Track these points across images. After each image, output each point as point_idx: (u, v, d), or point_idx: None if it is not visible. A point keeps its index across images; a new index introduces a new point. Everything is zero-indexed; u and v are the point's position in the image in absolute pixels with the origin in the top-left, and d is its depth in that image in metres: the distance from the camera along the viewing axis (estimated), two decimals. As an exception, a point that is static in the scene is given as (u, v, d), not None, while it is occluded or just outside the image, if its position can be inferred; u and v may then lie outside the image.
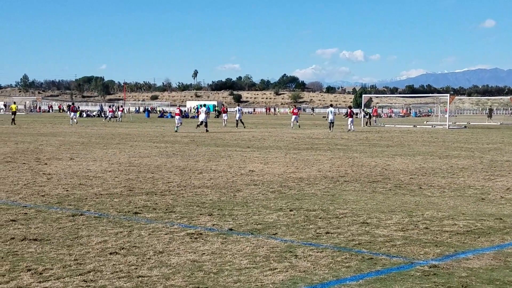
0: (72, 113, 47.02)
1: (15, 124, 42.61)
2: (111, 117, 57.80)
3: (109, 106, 65.21)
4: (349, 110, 40.54)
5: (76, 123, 45.18)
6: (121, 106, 64.30)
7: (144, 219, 8.24)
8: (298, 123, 42.93)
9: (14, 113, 45.69)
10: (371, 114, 54.53)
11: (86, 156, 17.95)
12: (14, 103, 53.08)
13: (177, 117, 36.92)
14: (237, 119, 44.04)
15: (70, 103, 71.01)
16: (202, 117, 36.62)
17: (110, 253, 6.39)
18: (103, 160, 16.84)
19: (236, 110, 45.87)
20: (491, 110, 75.84)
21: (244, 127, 41.31)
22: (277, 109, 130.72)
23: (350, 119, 39.40)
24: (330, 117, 39.67)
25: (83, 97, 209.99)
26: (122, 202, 9.66)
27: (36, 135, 29.58)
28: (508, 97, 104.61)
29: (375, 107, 43.85)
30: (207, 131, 34.76)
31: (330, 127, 38.87)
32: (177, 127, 35.67)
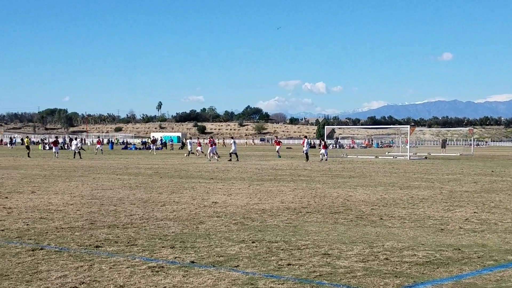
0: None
1: (29, 157, 44.24)
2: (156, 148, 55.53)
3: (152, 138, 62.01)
4: (323, 142, 44.08)
5: None
6: (152, 138, 61.58)
7: (105, 253, 8.17)
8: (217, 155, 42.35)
9: (28, 147, 49.08)
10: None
11: (48, 189, 17.69)
12: (27, 137, 59.42)
13: (210, 147, 41.36)
14: (232, 152, 41.82)
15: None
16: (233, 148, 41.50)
17: (70, 288, 6.31)
18: (65, 193, 16.62)
19: (232, 143, 43.79)
20: (444, 141, 77.77)
21: (238, 160, 39.54)
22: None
23: (323, 150, 42.19)
24: (305, 148, 42.14)
25: (46, 129, 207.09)
26: (83, 235, 9.55)
27: (-4, 168, 28.99)
28: (467, 128, 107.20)
29: (276, 138, 51.30)
30: (230, 160, 39.15)
31: (306, 158, 41.00)
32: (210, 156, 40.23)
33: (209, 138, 46.63)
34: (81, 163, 35.73)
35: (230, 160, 39.47)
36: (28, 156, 44.46)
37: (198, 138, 68.95)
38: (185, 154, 47.82)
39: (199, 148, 48.70)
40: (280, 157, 45.89)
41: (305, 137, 47.37)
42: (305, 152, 41.54)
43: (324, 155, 41.59)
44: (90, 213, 12.24)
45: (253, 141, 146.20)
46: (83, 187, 18.41)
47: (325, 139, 47.80)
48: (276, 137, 71.92)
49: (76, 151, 45.22)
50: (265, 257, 8.01)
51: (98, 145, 59.48)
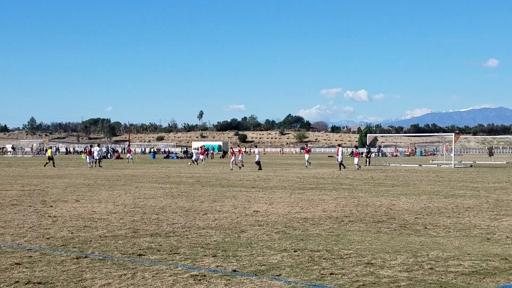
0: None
1: (54, 166, 44.07)
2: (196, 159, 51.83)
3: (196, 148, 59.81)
4: (355, 150, 43.02)
5: None
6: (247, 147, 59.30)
7: (148, 261, 8.24)
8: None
9: (50, 158, 47.45)
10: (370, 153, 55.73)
11: (92, 198, 18.00)
12: (50, 147, 61.75)
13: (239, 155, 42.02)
14: (256, 161, 41.94)
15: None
16: (257, 157, 41.92)
17: (114, 296, 6.38)
18: (108, 201, 16.88)
19: (257, 152, 44.50)
20: (491, 149, 75.66)
21: (260, 169, 39.46)
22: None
23: (356, 159, 41.93)
24: (340, 157, 41.14)
25: (90, 138, 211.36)
26: (126, 244, 9.66)
27: (42, 178, 29.70)
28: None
29: (306, 146, 51.95)
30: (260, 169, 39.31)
31: (340, 167, 40.13)
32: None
33: (231, 148, 47.90)
34: (118, 173, 36.25)
35: (251, 168, 39.76)
36: (54, 166, 44.03)
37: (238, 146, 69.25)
38: (189, 163, 49.93)
39: (201, 156, 50.99)
40: (307, 166, 44.71)
41: (339, 145, 46.45)
42: (340, 161, 40.47)
43: (357, 164, 41.18)
44: (133, 222, 12.39)
45: (282, 151, 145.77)
46: (125, 196, 18.67)
47: (368, 147, 47.44)
48: (306, 145, 71.53)
49: (97, 159, 46.45)
50: (307, 266, 7.94)
51: (129, 154, 59.71)
